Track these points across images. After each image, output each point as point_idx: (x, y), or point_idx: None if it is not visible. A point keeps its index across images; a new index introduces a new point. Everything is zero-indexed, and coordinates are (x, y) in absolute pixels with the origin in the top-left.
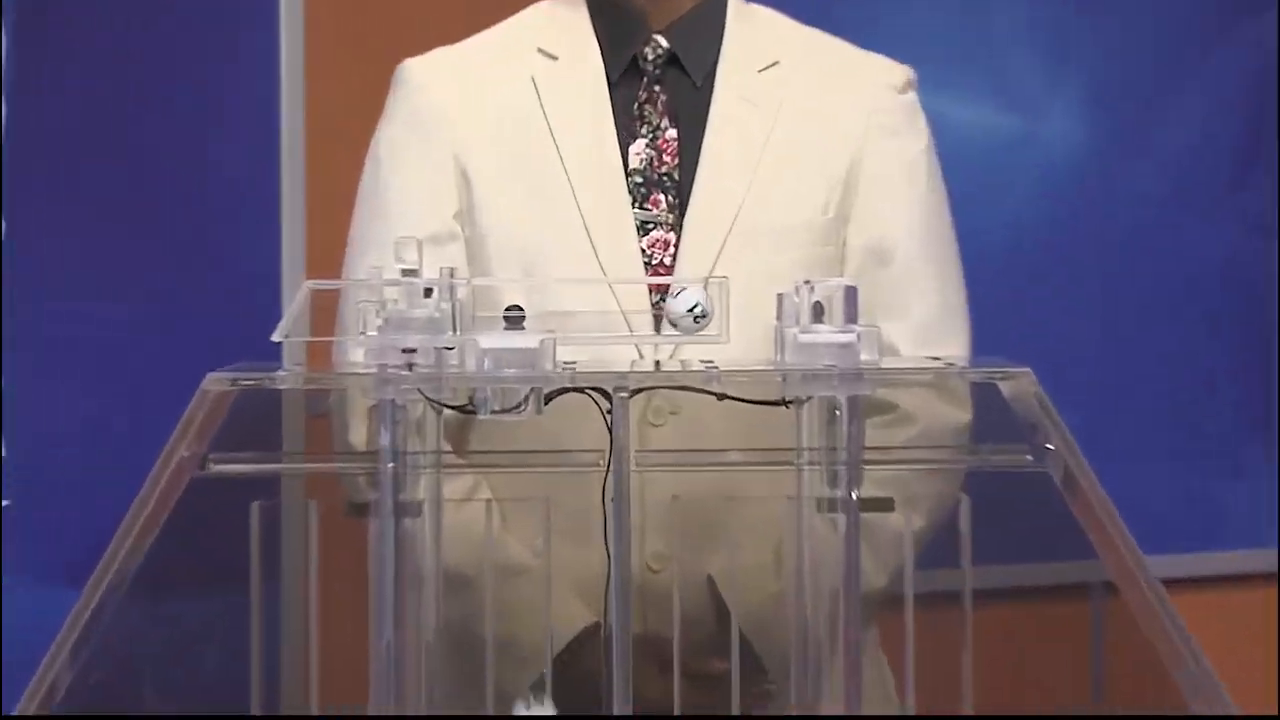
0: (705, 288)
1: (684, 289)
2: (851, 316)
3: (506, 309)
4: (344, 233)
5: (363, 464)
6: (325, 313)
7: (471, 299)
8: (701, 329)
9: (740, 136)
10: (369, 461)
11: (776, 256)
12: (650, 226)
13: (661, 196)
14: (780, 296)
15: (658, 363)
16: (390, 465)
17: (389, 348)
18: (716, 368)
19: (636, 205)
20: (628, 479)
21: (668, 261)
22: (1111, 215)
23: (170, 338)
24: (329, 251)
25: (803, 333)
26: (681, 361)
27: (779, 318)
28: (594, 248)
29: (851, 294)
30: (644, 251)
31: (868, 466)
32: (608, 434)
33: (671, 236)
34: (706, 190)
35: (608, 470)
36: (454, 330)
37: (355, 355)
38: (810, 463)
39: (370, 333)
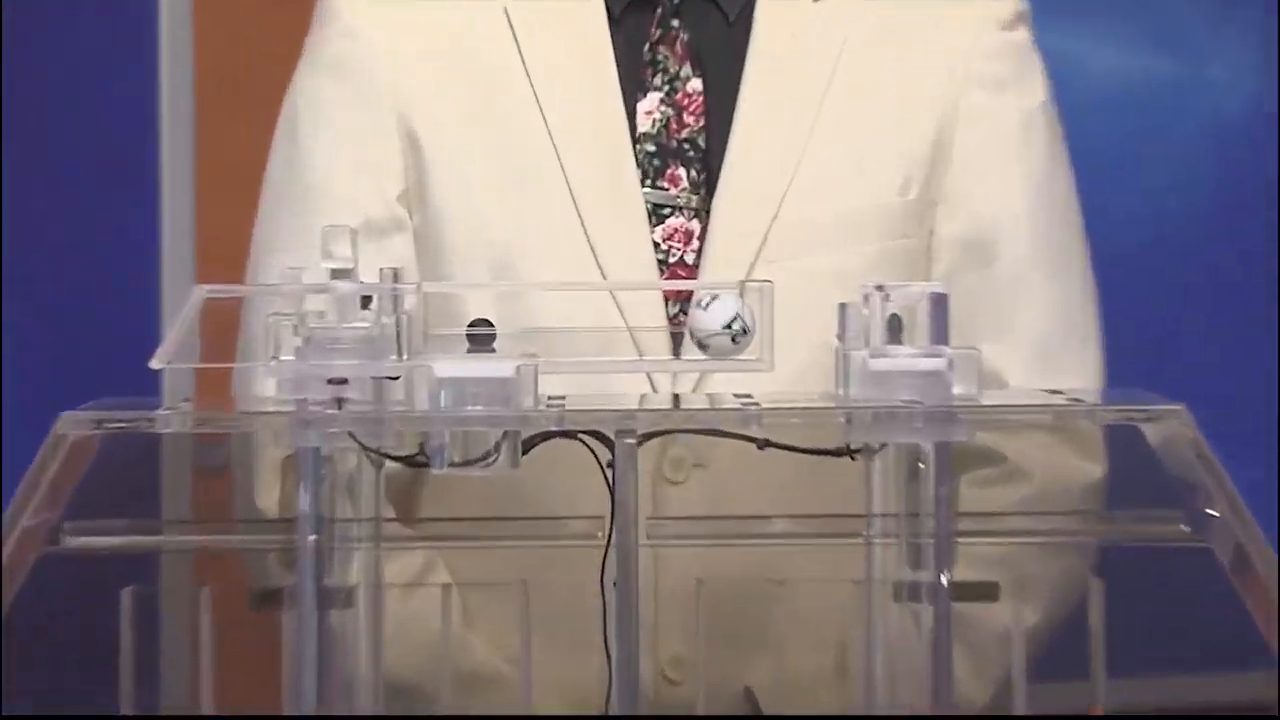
0: (742, 295)
1: (714, 297)
2: (941, 334)
3: (471, 324)
4: (247, 219)
5: (275, 536)
6: (223, 329)
7: (424, 310)
8: (739, 351)
9: (788, 89)
10: (283, 533)
11: (838, 252)
12: (666, 211)
13: (681, 171)
14: (843, 308)
15: (676, 397)
16: (312, 538)
17: (311, 377)
18: (756, 404)
19: (648, 183)
20: (635, 556)
21: (689, 259)
22: None
23: (10, 361)
24: (227, 244)
25: (874, 356)
26: (708, 396)
27: (841, 336)
28: (589, 240)
29: (941, 303)
30: (658, 246)
31: (963, 539)
32: (608, 494)
33: (695, 225)
34: (742, 162)
35: (608, 544)
36: (399, 353)
37: (265, 387)
38: (885, 535)
39: (285, 357)
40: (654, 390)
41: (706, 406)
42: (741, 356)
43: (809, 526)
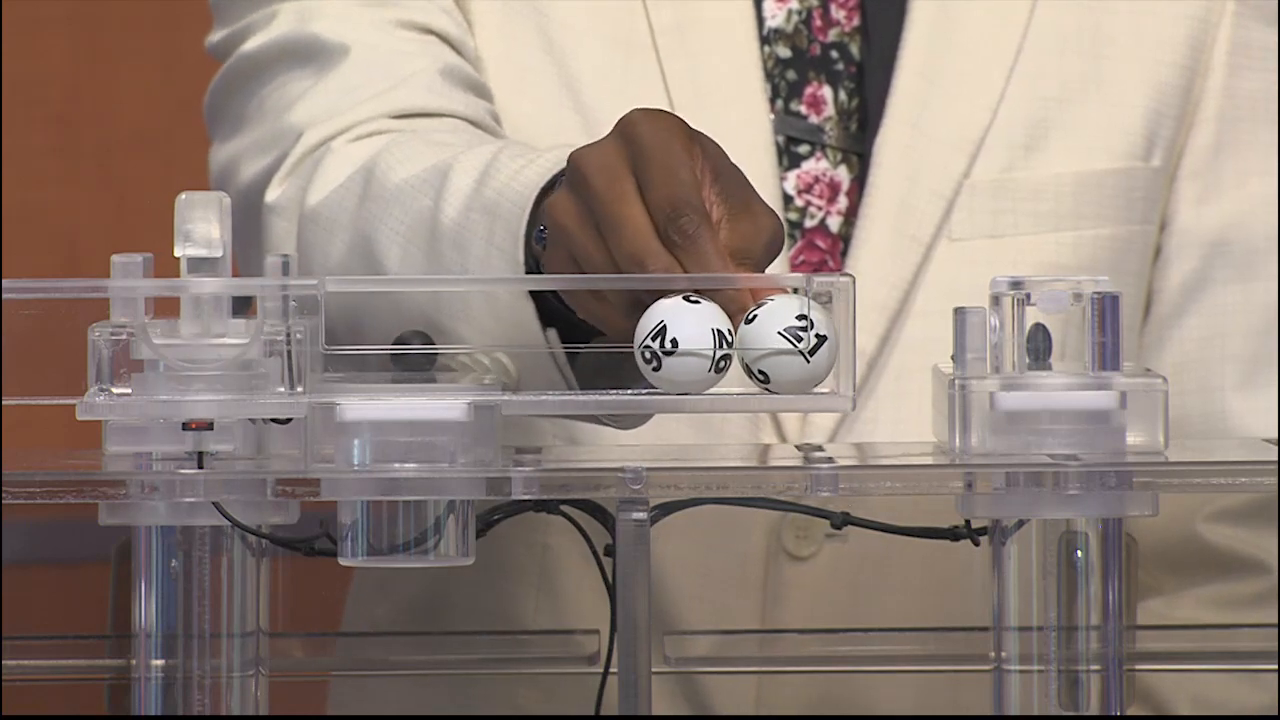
0: (808, 294)
1: (761, 304)
2: (1111, 354)
3: (401, 336)
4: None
5: (102, 661)
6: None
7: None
8: (811, 376)
9: None
10: (117, 655)
11: (1060, 233)
12: (803, 150)
13: (826, 91)
14: (961, 315)
15: (815, 449)
16: (158, 664)
17: (156, 420)
18: (829, 458)
19: (779, 104)
20: (647, 687)
21: (834, 224)
22: None
23: None
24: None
25: (1006, 388)
26: (855, 446)
27: (955, 355)
28: None
29: (1110, 307)
30: (790, 200)
31: (1144, 668)
32: (607, 594)
33: (844, 174)
34: (919, 84)
35: (605, 671)
36: (290, 384)
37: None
38: (1023, 658)
39: (112, 390)
40: (780, 437)
41: (771, 464)
42: (817, 391)
43: (914, 645)
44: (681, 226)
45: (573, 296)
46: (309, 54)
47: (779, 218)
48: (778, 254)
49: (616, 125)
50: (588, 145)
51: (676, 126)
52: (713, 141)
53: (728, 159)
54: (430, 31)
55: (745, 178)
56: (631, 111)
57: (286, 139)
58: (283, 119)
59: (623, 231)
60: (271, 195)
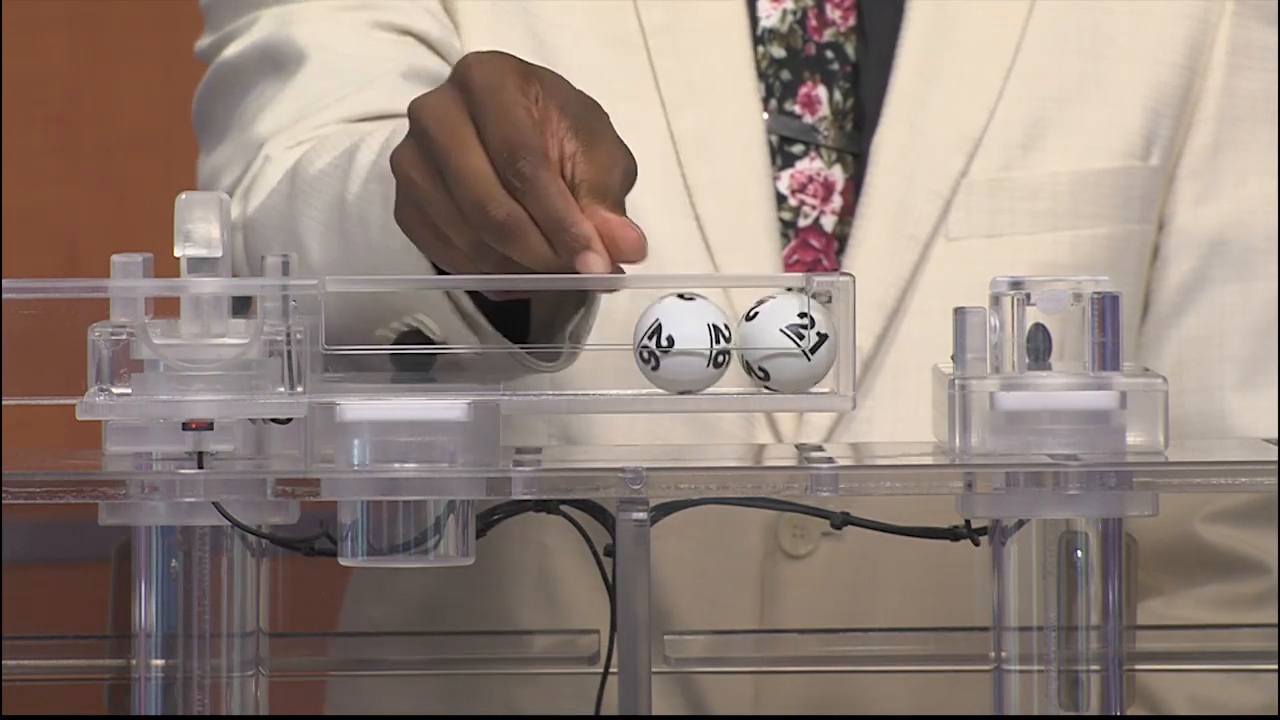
0: (809, 292)
1: (761, 301)
2: (1111, 354)
3: (400, 336)
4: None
5: (102, 661)
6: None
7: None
8: (813, 373)
9: None
10: (117, 655)
11: (1057, 232)
12: (797, 149)
13: (821, 90)
14: (961, 315)
15: (804, 449)
16: (158, 664)
17: (156, 420)
18: (829, 457)
19: (773, 104)
20: (647, 688)
21: (828, 224)
22: None
23: None
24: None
25: (1006, 388)
26: (851, 446)
27: (955, 355)
28: (686, 183)
29: (1110, 307)
30: (783, 200)
31: (1144, 668)
32: (606, 595)
33: (839, 173)
34: (916, 83)
35: (605, 671)
36: (290, 384)
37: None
38: (1023, 658)
39: (112, 390)
40: (777, 436)
41: (770, 464)
42: (815, 391)
43: (913, 645)
44: (519, 170)
45: (426, 248)
46: (280, 61)
47: (629, 150)
48: (632, 185)
49: (452, 70)
50: (425, 94)
51: (509, 66)
52: (554, 75)
53: (574, 92)
54: (409, 33)
55: (598, 109)
56: (466, 55)
57: (250, 152)
58: (248, 131)
59: (464, 180)
60: (234, 212)
